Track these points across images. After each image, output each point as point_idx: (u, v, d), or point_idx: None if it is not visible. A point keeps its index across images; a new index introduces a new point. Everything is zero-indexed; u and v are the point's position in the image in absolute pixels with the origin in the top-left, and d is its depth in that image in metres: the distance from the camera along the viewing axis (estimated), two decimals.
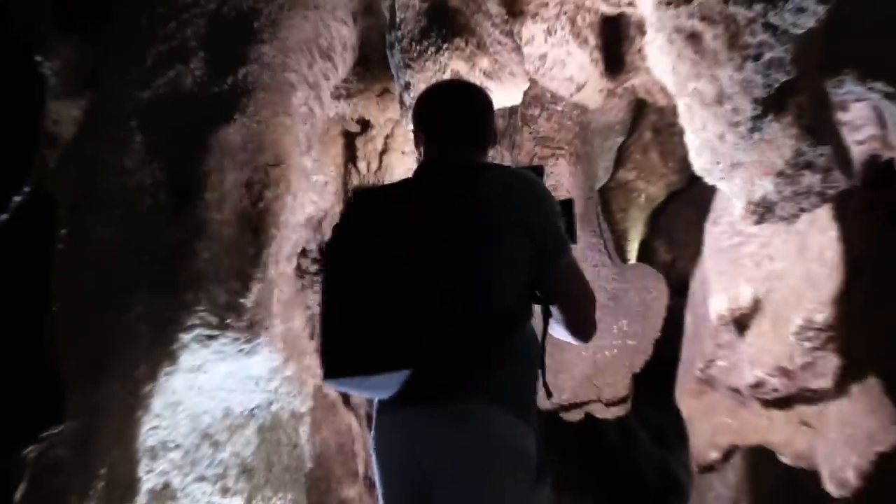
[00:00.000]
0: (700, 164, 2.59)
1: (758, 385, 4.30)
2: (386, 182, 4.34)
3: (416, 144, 2.08)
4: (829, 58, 2.44)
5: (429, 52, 2.96)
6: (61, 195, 2.93)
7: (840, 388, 4.11)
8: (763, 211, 2.67)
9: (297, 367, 3.48)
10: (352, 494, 3.56)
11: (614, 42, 4.32)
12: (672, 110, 2.59)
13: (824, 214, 3.99)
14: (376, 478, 1.91)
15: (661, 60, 2.48)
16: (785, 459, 4.19)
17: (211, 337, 3.01)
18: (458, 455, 1.82)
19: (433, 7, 3.06)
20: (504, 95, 2.88)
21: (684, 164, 2.91)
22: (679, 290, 5.02)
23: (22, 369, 2.04)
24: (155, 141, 2.95)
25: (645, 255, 6.84)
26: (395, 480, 1.87)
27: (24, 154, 1.67)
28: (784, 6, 2.09)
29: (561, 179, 4.95)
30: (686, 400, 4.44)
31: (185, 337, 2.92)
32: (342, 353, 1.85)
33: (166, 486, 3.21)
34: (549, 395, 1.95)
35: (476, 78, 2.91)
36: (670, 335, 4.96)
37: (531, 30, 4.07)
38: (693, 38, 2.28)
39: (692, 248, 4.83)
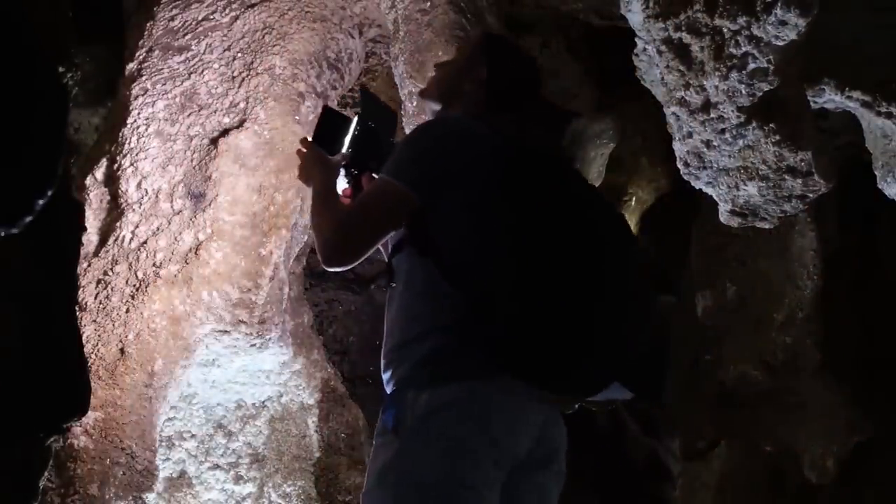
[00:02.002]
0: (687, 170, 2.59)
1: (742, 378, 4.31)
2: None
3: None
4: (809, 68, 2.44)
5: (431, 63, 2.96)
6: (84, 198, 2.94)
7: (820, 381, 4.12)
8: (747, 214, 2.67)
9: (305, 362, 3.48)
10: (358, 482, 3.56)
11: (606, 54, 4.32)
12: (660, 118, 2.59)
13: (804, 217, 4.00)
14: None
15: (649, 71, 2.48)
16: (768, 448, 4.20)
17: (224, 333, 3.01)
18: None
19: (435, 21, 3.06)
20: None
21: (672, 170, 2.91)
22: (668, 288, 5.02)
23: (46, 362, 2.04)
24: (171, 148, 2.95)
25: None
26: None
27: (48, 161, 1.67)
28: (767, 19, 2.09)
29: None
30: (674, 392, 4.44)
31: (200, 333, 2.92)
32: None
33: (182, 473, 3.22)
34: None
35: None
36: None
37: (527, 42, 4.08)
38: (680, 49, 2.27)
39: (680, 248, 4.83)
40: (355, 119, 1.95)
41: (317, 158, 1.90)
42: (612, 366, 1.62)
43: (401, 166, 1.70)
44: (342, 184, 1.94)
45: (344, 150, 1.93)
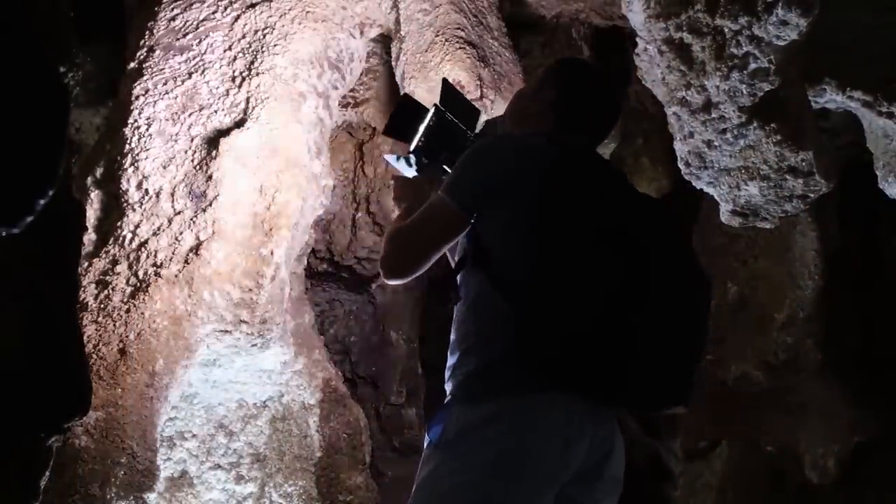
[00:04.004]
0: (688, 170, 2.59)
1: (743, 378, 4.31)
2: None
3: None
4: (810, 68, 2.44)
5: (432, 63, 2.96)
6: (84, 198, 2.94)
7: (821, 381, 4.11)
8: (748, 214, 2.67)
9: (306, 362, 3.48)
10: (359, 482, 3.56)
11: (607, 54, 4.32)
12: (662, 118, 2.58)
13: (805, 217, 4.00)
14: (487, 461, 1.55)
15: (650, 71, 2.48)
16: (769, 448, 4.19)
17: (225, 332, 3.01)
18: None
19: (436, 21, 3.06)
20: (503, 104, 2.88)
21: (673, 170, 2.90)
22: None
23: (46, 362, 2.03)
24: (172, 147, 2.95)
25: None
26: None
27: (49, 161, 1.67)
28: (768, 19, 2.09)
29: None
30: None
31: (201, 332, 2.92)
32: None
33: (184, 473, 3.22)
34: None
35: (476, 88, 2.91)
36: None
37: (529, 42, 4.08)
38: (681, 49, 2.27)
39: None
40: (432, 109, 1.97)
41: (416, 184, 1.95)
42: (672, 379, 1.64)
43: (454, 186, 1.74)
44: (410, 171, 1.96)
45: (417, 138, 1.96)
